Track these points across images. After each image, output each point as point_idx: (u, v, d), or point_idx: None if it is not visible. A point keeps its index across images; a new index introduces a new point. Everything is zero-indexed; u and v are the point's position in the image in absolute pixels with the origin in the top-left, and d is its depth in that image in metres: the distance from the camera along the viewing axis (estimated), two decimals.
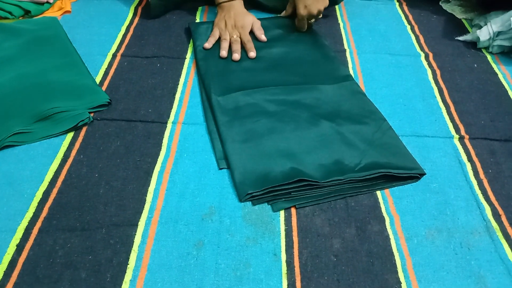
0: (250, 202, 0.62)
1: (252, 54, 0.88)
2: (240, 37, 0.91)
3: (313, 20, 0.96)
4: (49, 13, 0.99)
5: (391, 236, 0.59)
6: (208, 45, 0.90)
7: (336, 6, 1.08)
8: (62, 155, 0.67)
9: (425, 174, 0.67)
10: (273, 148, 0.68)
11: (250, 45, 0.89)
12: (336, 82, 0.81)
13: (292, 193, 0.62)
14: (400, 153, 0.68)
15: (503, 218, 0.62)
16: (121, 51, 0.89)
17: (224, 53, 0.88)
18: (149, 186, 0.64)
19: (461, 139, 0.74)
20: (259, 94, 0.78)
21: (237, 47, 0.89)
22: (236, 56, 0.87)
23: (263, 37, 0.92)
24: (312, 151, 0.67)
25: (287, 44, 0.92)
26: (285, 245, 0.57)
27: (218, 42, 0.91)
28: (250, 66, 0.86)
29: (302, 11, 0.91)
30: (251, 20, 0.94)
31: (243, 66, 0.86)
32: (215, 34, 0.92)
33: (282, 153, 0.67)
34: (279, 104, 0.76)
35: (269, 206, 0.62)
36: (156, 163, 0.67)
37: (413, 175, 0.66)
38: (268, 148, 0.68)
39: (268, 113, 0.74)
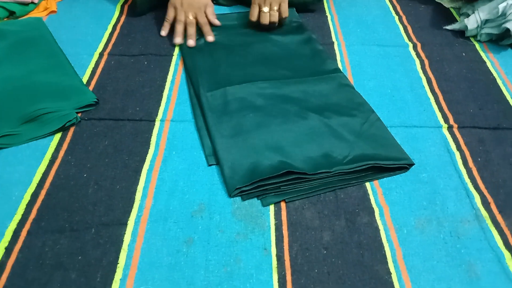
0: (240, 198, 0.62)
1: (210, 38, 0.87)
2: (196, 19, 0.89)
3: (275, 12, 0.90)
4: (34, 14, 0.98)
5: (381, 227, 0.59)
6: (163, 32, 0.90)
7: None
8: (50, 156, 0.67)
9: (413, 164, 0.67)
10: (262, 142, 0.68)
11: (207, 28, 0.88)
12: (324, 75, 0.81)
13: (281, 187, 0.62)
14: (389, 144, 0.69)
15: (493, 206, 0.62)
16: (107, 50, 0.89)
17: (178, 40, 0.86)
18: (138, 184, 0.63)
19: (450, 128, 0.74)
20: (247, 88, 0.78)
21: (192, 31, 0.87)
22: (191, 42, 0.86)
23: (216, 22, 0.91)
24: (301, 144, 0.67)
25: (274, 38, 0.92)
26: (275, 239, 0.57)
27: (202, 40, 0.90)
28: (238, 61, 0.85)
29: (178, 11, 0.88)
30: (206, 2, 0.90)
31: (231, 61, 0.85)
32: (170, 16, 0.90)
33: (271, 147, 0.67)
34: (267, 98, 0.76)
35: (259, 201, 0.62)
36: (144, 161, 0.67)
37: (402, 165, 0.66)
38: (256, 142, 0.68)
39: (256, 107, 0.74)
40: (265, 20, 0.89)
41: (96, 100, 0.76)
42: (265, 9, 0.89)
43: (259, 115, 0.72)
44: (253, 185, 0.62)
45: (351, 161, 0.65)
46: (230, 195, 0.62)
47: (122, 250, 0.56)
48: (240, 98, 0.76)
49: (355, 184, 0.64)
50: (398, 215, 0.61)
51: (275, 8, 0.90)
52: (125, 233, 0.57)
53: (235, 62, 0.85)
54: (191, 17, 0.88)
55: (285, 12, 0.90)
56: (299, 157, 0.65)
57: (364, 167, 0.64)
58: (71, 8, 1.01)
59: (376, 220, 0.60)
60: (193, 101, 0.77)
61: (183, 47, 0.89)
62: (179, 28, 0.87)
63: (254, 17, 0.91)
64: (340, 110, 0.74)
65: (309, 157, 0.65)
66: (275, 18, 0.90)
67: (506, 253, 0.57)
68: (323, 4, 1.06)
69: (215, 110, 0.74)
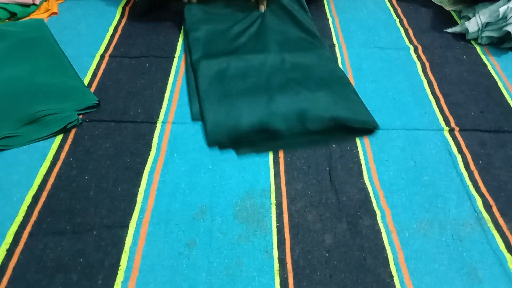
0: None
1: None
2: None
3: None
4: (35, 15, 0.98)
5: (383, 230, 0.59)
6: None
7: (325, 1, 1.07)
8: (51, 158, 0.67)
9: (378, 128, 0.73)
10: (245, 105, 0.75)
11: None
12: (312, 50, 0.88)
13: (255, 143, 0.70)
14: (357, 109, 0.75)
15: (494, 209, 0.62)
16: (109, 51, 0.89)
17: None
18: (139, 186, 0.63)
19: (451, 131, 0.74)
20: (241, 60, 0.84)
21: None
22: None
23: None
24: (279, 108, 0.74)
25: (274, 15, 0.97)
26: (277, 242, 0.57)
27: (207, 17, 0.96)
28: (236, 32, 0.92)
29: None
30: None
31: (230, 35, 0.91)
32: None
33: (252, 110, 0.74)
34: (256, 69, 0.83)
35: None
36: (146, 163, 0.67)
37: (367, 128, 0.73)
38: (240, 105, 0.75)
39: (246, 75, 0.81)
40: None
41: (97, 101, 0.76)
42: None
43: (247, 82, 0.80)
44: (231, 138, 0.70)
45: (322, 122, 0.72)
46: (209, 145, 0.70)
47: (123, 253, 0.55)
48: (233, 67, 0.83)
49: (323, 144, 0.70)
50: (400, 218, 0.61)
51: None
52: (126, 235, 0.57)
53: (234, 33, 0.92)
54: None
55: None
56: (276, 119, 0.72)
57: (332, 125, 0.71)
58: (73, 10, 1.01)
59: (378, 223, 0.60)
60: (189, 69, 0.84)
61: (188, 22, 0.94)
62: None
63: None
64: (321, 82, 0.80)
65: (285, 118, 0.72)
66: None
67: (508, 256, 0.57)
68: (324, 6, 1.06)
69: (208, 76, 0.81)
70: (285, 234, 0.58)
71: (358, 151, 0.70)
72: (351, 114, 0.73)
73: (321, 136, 0.71)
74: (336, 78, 0.81)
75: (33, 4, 0.98)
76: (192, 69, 0.84)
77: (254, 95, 0.77)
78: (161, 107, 0.76)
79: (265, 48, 0.88)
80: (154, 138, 0.71)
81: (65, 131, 0.71)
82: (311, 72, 0.82)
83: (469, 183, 0.66)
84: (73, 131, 0.71)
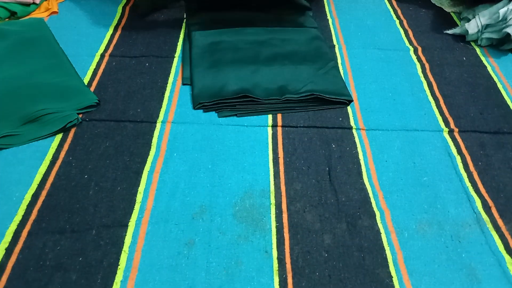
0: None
1: None
2: None
3: None
4: (35, 14, 0.98)
5: (382, 231, 0.59)
6: None
7: (325, 2, 1.07)
8: (51, 157, 0.67)
9: (352, 100, 0.78)
10: (232, 74, 0.81)
11: None
12: (301, 27, 0.96)
13: (236, 106, 0.76)
14: (335, 82, 0.81)
15: (493, 210, 0.62)
16: (109, 51, 0.89)
17: None
18: (139, 186, 0.63)
19: (450, 132, 0.74)
20: (234, 34, 0.91)
21: None
22: None
23: None
24: (263, 79, 0.80)
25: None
26: (276, 242, 0.57)
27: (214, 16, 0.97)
28: (234, 11, 0.98)
29: None
30: None
31: (230, 14, 0.97)
32: None
33: (237, 78, 0.80)
34: (248, 42, 0.90)
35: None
36: (145, 163, 0.67)
37: (342, 100, 0.78)
38: (227, 73, 0.81)
39: (237, 48, 0.88)
40: None
41: (97, 101, 0.76)
42: None
43: (238, 55, 0.86)
44: (214, 101, 0.76)
45: (299, 94, 0.77)
46: (194, 107, 0.76)
47: (123, 252, 0.55)
48: (226, 41, 0.89)
49: (299, 110, 0.76)
50: (399, 218, 0.61)
51: None
52: (126, 235, 0.57)
53: (233, 14, 0.98)
54: None
55: None
56: (258, 87, 0.78)
57: (308, 97, 0.77)
58: (73, 9, 1.01)
59: (377, 223, 0.60)
60: (185, 42, 0.92)
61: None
62: None
63: None
64: (306, 57, 0.87)
65: (267, 88, 0.78)
66: None
67: (506, 257, 0.57)
68: (324, 7, 1.06)
69: (201, 47, 0.88)
70: (284, 234, 0.58)
71: (357, 152, 0.70)
72: (327, 86, 0.79)
73: (298, 104, 0.77)
74: (320, 54, 0.88)
75: (33, 3, 0.98)
76: (188, 39, 0.92)
77: (242, 65, 0.83)
78: (160, 106, 0.76)
79: (257, 24, 0.95)
80: (153, 138, 0.71)
81: (64, 130, 0.71)
82: (297, 48, 0.89)
83: (468, 184, 0.66)
84: (72, 130, 0.71)
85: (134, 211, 0.60)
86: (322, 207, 0.61)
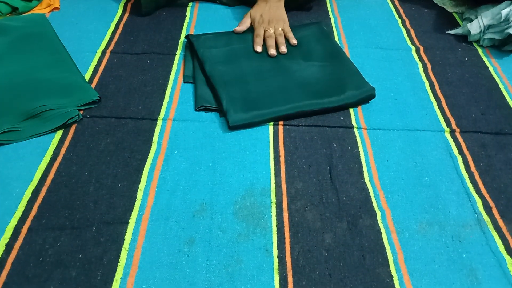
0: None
1: (284, 49, 0.87)
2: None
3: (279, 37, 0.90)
4: (37, 10, 0.98)
5: (383, 230, 0.59)
6: (239, 28, 0.92)
7: (327, 1, 1.07)
8: (52, 153, 0.67)
9: (375, 96, 0.78)
10: (261, 93, 0.77)
11: (282, 39, 0.89)
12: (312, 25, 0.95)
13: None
14: (359, 83, 0.80)
15: (494, 211, 0.62)
16: (110, 47, 0.89)
17: (259, 48, 0.88)
18: (139, 183, 0.63)
19: (452, 132, 0.74)
20: (243, 41, 0.90)
21: (272, 42, 0.88)
22: (273, 51, 0.86)
23: (294, 41, 0.90)
24: (294, 96, 0.77)
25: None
26: (277, 240, 0.57)
27: (233, 53, 0.88)
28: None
29: (256, 23, 0.91)
30: (285, 19, 0.93)
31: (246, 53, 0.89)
32: (247, 23, 0.93)
33: (269, 100, 0.76)
34: (260, 57, 0.87)
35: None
36: (146, 160, 0.67)
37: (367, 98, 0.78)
38: (254, 87, 0.78)
39: (251, 56, 0.86)
40: (272, 47, 0.88)
41: (98, 97, 0.75)
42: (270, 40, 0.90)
43: (253, 63, 0.84)
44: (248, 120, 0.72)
45: (318, 103, 0.76)
46: (230, 126, 0.72)
47: (123, 249, 0.55)
48: (237, 48, 0.87)
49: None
50: (400, 218, 0.61)
51: (279, 29, 0.91)
52: (126, 232, 0.57)
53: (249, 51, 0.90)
54: (271, 31, 0.90)
55: (291, 38, 0.90)
56: (284, 105, 0.75)
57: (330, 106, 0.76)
58: (74, 5, 1.01)
59: (378, 223, 0.60)
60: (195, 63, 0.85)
61: (202, 57, 0.86)
62: (259, 41, 0.89)
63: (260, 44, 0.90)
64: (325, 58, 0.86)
65: (293, 103, 0.75)
66: (282, 40, 0.89)
67: (507, 258, 0.57)
68: (326, 6, 1.05)
69: (214, 61, 0.83)
70: (285, 232, 0.58)
71: (359, 151, 0.70)
72: (353, 92, 0.78)
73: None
74: (349, 73, 0.83)
75: None
76: (190, 44, 0.88)
77: (265, 78, 0.80)
78: (162, 104, 0.76)
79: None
80: (154, 135, 0.71)
81: (65, 126, 0.71)
82: (312, 47, 0.88)
83: (469, 184, 0.66)
84: (73, 127, 0.71)
85: (134, 208, 0.60)
86: (323, 206, 0.61)
